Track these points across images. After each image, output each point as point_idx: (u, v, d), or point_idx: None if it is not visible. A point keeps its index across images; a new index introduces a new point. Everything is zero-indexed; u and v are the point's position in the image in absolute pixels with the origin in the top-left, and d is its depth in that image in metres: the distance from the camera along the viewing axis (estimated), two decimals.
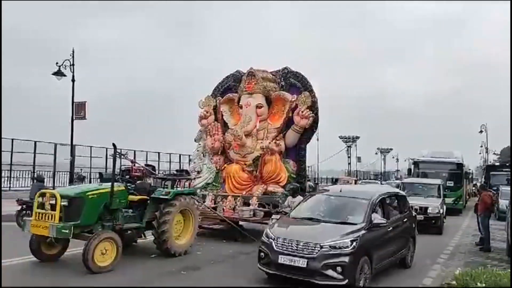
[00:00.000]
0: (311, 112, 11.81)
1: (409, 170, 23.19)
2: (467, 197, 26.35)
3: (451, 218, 16.70)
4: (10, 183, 18.80)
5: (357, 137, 57.42)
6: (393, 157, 67.56)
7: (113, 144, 7.99)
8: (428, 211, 13.46)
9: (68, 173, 19.50)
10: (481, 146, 41.54)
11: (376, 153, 68.51)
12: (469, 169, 26.54)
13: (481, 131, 35.18)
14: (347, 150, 55.49)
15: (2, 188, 18.09)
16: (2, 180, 18.51)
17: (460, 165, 21.55)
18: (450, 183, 20.28)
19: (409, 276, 7.85)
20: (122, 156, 8.31)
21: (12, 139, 18.92)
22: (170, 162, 28.16)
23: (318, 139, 39.25)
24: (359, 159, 61.61)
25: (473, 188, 32.85)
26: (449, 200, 18.49)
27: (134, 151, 24.15)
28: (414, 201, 13.09)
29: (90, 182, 20.17)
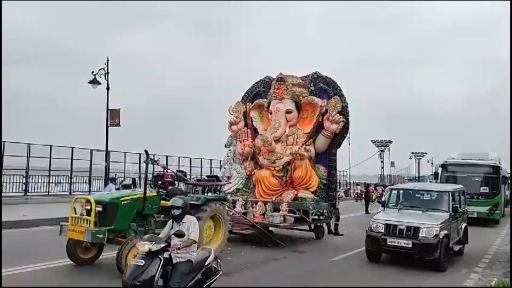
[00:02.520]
0: (341, 117, 11.70)
1: (436, 174, 19.60)
2: (506, 204, 23.44)
3: (485, 230, 15.19)
4: (49, 188, 19.55)
5: (390, 141, 56.44)
6: (427, 161, 65.84)
7: (146, 151, 8.17)
8: (420, 234, 8.53)
9: (103, 178, 20.05)
10: None
11: (410, 158, 67.14)
12: (508, 173, 24.64)
13: None
14: (380, 154, 54.59)
15: (40, 193, 18.90)
16: (40, 185, 19.32)
17: (496, 168, 18.53)
18: (485, 189, 18.05)
19: (444, 284, 7.62)
20: (154, 163, 8.47)
21: (51, 146, 19.68)
22: (201, 167, 28.41)
23: (349, 144, 38.95)
24: (392, 163, 60.49)
25: None
26: (483, 209, 17.04)
27: (166, 157, 24.55)
28: (400, 218, 9.02)
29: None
